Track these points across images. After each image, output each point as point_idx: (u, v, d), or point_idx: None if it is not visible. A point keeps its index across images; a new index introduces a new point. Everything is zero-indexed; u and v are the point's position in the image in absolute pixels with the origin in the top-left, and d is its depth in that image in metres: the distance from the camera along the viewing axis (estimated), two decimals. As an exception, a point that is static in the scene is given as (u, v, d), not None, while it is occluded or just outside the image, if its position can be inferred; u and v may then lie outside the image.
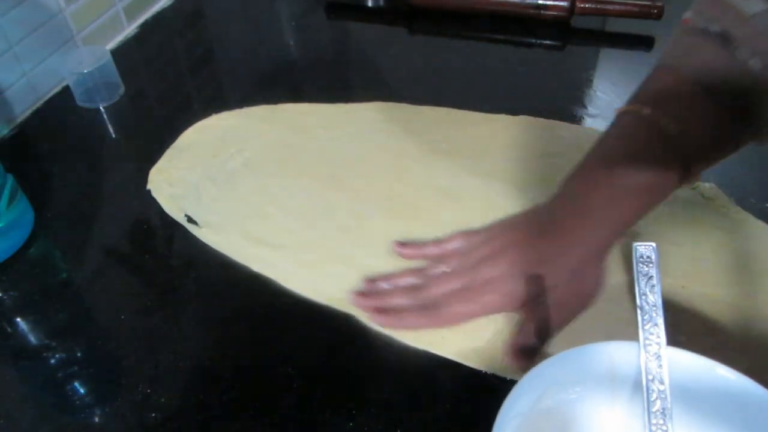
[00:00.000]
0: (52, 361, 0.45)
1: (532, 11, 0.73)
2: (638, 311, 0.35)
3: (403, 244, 0.49)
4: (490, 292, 0.43)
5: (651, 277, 0.35)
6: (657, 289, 0.34)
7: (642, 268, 0.35)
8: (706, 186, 0.52)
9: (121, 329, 0.46)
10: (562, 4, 0.72)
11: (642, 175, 0.42)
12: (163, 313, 0.47)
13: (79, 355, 0.45)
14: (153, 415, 0.41)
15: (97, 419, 0.41)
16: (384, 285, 0.46)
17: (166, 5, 0.81)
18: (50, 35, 0.66)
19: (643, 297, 0.35)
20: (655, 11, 0.69)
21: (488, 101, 0.63)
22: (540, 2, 0.72)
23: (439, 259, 0.47)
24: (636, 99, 0.44)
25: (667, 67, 0.44)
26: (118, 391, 0.43)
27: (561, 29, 0.73)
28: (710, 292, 0.46)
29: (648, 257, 0.35)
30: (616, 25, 0.73)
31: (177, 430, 0.40)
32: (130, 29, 0.77)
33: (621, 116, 0.44)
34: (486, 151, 0.58)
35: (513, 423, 0.33)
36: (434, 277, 0.45)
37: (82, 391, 0.43)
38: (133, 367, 0.44)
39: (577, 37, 0.73)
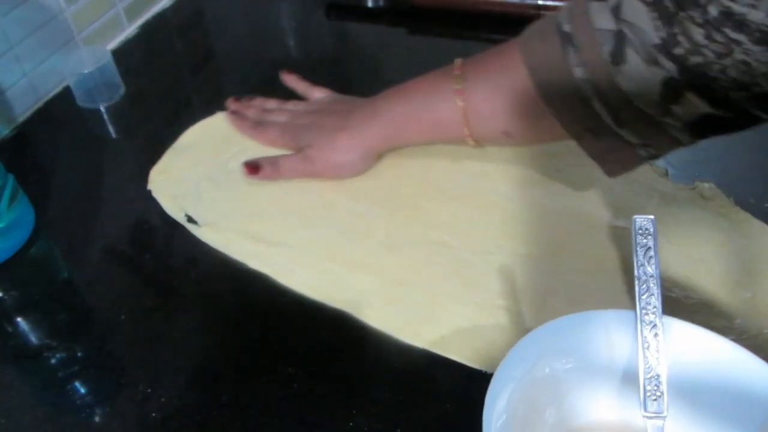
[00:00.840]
0: (53, 360, 0.45)
1: (532, 11, 0.73)
2: (635, 281, 0.35)
3: (289, 71, 0.63)
4: (272, 127, 0.59)
5: (649, 249, 0.35)
6: (654, 260, 0.35)
7: (640, 239, 0.36)
8: (706, 186, 0.52)
9: (121, 329, 0.46)
10: (562, 4, 0.71)
11: (429, 117, 0.51)
12: (163, 313, 0.47)
13: (79, 355, 0.45)
14: (153, 415, 0.41)
15: (97, 419, 0.42)
16: (253, 102, 0.62)
17: (166, 5, 0.81)
18: (51, 36, 0.66)
19: (641, 268, 0.35)
20: (655, 11, 0.69)
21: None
22: (540, 2, 0.72)
23: (304, 95, 0.62)
24: (468, 63, 0.51)
25: (512, 46, 0.47)
26: (118, 391, 0.43)
27: (561, 29, 0.73)
28: (710, 293, 0.46)
29: (646, 229, 0.36)
30: (616, 25, 0.73)
31: (177, 430, 0.40)
32: (131, 29, 0.77)
33: (448, 69, 0.51)
34: (486, 151, 0.58)
35: (507, 388, 0.33)
36: (284, 110, 0.61)
37: (82, 391, 0.43)
38: (133, 367, 0.44)
39: (577, 37, 0.73)
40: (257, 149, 0.60)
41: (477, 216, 0.52)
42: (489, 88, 0.48)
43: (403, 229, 0.51)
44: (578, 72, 0.41)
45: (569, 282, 0.47)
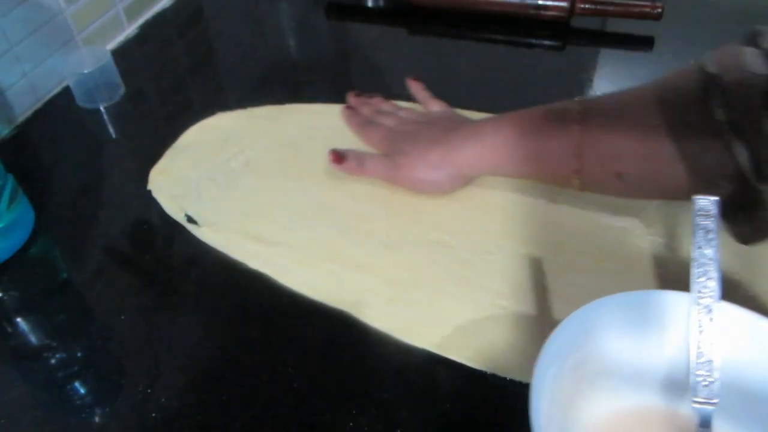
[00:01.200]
0: (53, 361, 0.45)
1: (532, 11, 0.73)
2: (693, 263, 0.34)
3: (416, 79, 0.63)
4: (377, 129, 0.58)
5: (709, 231, 0.34)
6: (714, 243, 0.34)
7: (700, 221, 0.35)
8: (706, 186, 0.52)
9: (121, 329, 0.46)
10: (561, 4, 0.72)
11: (536, 146, 0.48)
12: (163, 313, 0.47)
13: (79, 355, 0.45)
14: (153, 415, 0.41)
15: (97, 419, 0.42)
16: (372, 100, 0.62)
17: (166, 5, 0.81)
18: (51, 36, 0.66)
19: (699, 249, 0.34)
20: (655, 11, 0.69)
21: (488, 101, 0.62)
22: (540, 2, 0.72)
23: (423, 105, 0.61)
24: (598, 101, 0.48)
25: (645, 86, 0.44)
26: (118, 391, 0.43)
27: (561, 29, 0.73)
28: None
29: (708, 210, 0.35)
30: (616, 26, 0.73)
31: (177, 430, 0.40)
32: (131, 29, 0.77)
33: (568, 101, 0.48)
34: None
35: (553, 367, 0.33)
36: (396, 115, 0.59)
37: (82, 391, 0.43)
38: (133, 367, 0.44)
39: (577, 38, 0.73)
40: (259, 149, 0.60)
41: (477, 216, 0.52)
42: (613, 123, 0.44)
43: (403, 229, 0.51)
44: (720, 114, 0.38)
45: (569, 282, 0.47)
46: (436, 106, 0.59)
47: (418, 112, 0.60)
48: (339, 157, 0.54)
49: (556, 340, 0.33)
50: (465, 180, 0.53)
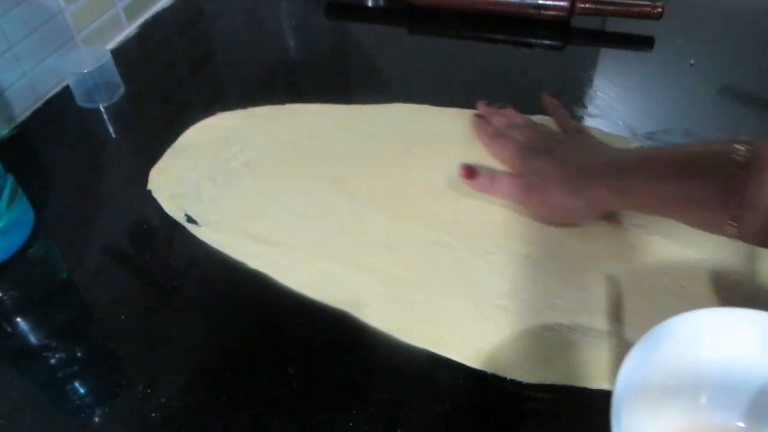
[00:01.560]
0: (52, 361, 0.45)
1: (532, 11, 0.73)
2: None
3: (554, 95, 0.60)
4: (510, 144, 0.55)
5: None
6: None
7: None
8: (706, 186, 0.52)
9: (121, 329, 0.46)
10: (562, 4, 0.72)
11: (687, 184, 0.42)
12: (163, 313, 0.47)
13: (79, 355, 0.45)
14: (153, 415, 0.41)
15: (97, 419, 0.42)
16: (504, 111, 0.60)
17: (166, 5, 0.81)
18: (50, 35, 0.66)
19: None
20: (655, 11, 0.69)
21: (488, 101, 0.62)
22: (540, 2, 0.72)
23: (559, 125, 0.58)
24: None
25: None
26: (118, 391, 0.43)
27: (561, 29, 0.73)
28: (710, 293, 0.46)
29: None
30: (616, 25, 0.73)
31: (177, 430, 0.40)
32: (130, 29, 0.77)
33: (730, 140, 0.41)
34: (486, 151, 0.58)
35: (639, 372, 0.32)
36: (528, 130, 0.56)
37: (82, 391, 0.43)
38: (133, 367, 0.44)
39: (577, 37, 0.73)
40: (259, 150, 0.60)
41: (477, 216, 0.52)
42: None
43: (403, 229, 0.51)
44: None
45: (569, 282, 0.47)
46: (573, 126, 0.56)
47: (553, 130, 0.57)
48: (471, 172, 0.52)
49: (643, 347, 0.33)
50: (601, 212, 0.49)
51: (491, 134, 0.57)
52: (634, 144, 0.57)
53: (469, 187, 0.52)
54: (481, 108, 0.60)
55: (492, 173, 0.52)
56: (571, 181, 0.48)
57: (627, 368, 0.32)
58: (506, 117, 0.58)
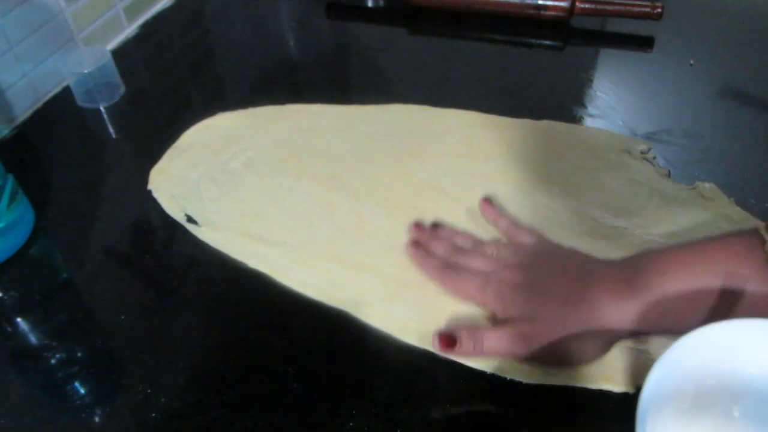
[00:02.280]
0: (53, 361, 0.45)
1: (532, 11, 0.73)
2: None
3: (488, 201, 0.51)
4: (470, 278, 0.45)
5: None
6: None
7: None
8: (706, 186, 0.52)
9: (121, 329, 0.46)
10: (562, 4, 0.72)
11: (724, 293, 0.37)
12: (163, 313, 0.47)
13: (79, 355, 0.45)
14: (153, 415, 0.41)
15: (97, 419, 0.42)
16: (441, 233, 0.50)
17: (166, 5, 0.81)
18: (50, 35, 0.66)
19: None
20: (655, 11, 0.69)
21: (487, 101, 0.63)
22: (540, 2, 0.72)
23: (507, 237, 0.49)
24: None
25: None
26: (118, 391, 0.43)
27: (561, 29, 0.73)
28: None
29: None
30: (616, 25, 0.73)
31: (177, 430, 0.40)
32: (131, 29, 0.77)
33: (749, 231, 0.37)
34: (488, 153, 0.58)
35: (671, 378, 0.31)
36: (482, 253, 0.47)
37: (82, 391, 0.43)
38: (133, 367, 0.44)
39: (577, 37, 0.73)
40: (259, 150, 0.60)
41: (477, 216, 0.52)
42: None
43: (403, 229, 0.51)
44: None
45: (569, 282, 0.47)
46: (527, 237, 0.48)
47: (509, 248, 0.47)
48: (448, 341, 0.42)
49: (675, 354, 0.32)
50: (614, 342, 0.42)
51: (439, 269, 0.47)
52: (637, 144, 0.57)
53: (449, 354, 0.42)
54: (414, 232, 0.50)
55: (474, 333, 0.42)
56: (573, 320, 0.40)
57: (656, 375, 0.31)
58: (447, 240, 0.49)
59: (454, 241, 0.49)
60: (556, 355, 0.41)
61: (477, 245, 0.48)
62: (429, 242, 0.49)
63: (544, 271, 0.43)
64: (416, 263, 0.48)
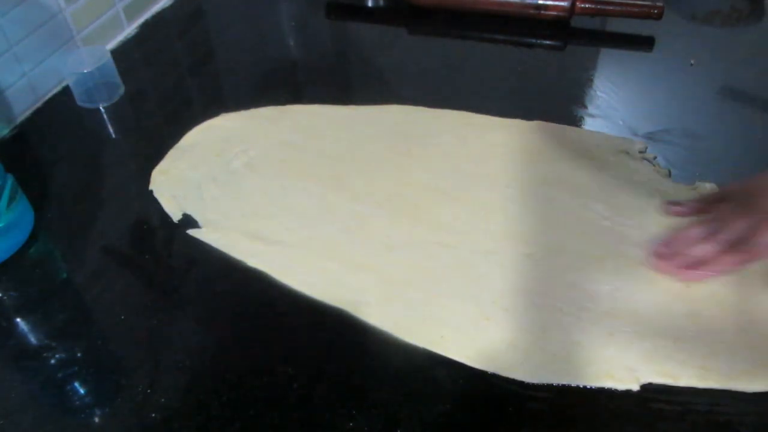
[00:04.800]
0: (53, 361, 0.45)
1: (532, 11, 0.73)
2: None
3: (675, 203, 0.50)
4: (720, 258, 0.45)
5: None
6: None
7: None
8: (707, 186, 0.52)
9: (121, 329, 0.46)
10: (562, 4, 0.72)
11: None
12: (163, 313, 0.47)
13: (79, 355, 0.45)
14: (153, 415, 0.41)
15: (97, 419, 0.42)
16: (680, 243, 0.47)
17: (166, 5, 0.81)
18: (50, 35, 0.66)
19: None
20: (655, 11, 0.69)
21: (488, 101, 0.63)
22: (540, 2, 0.72)
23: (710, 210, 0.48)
24: None
25: None
26: (118, 391, 0.43)
27: (561, 29, 0.73)
28: (710, 293, 0.46)
29: None
30: (616, 25, 0.73)
31: (177, 430, 0.40)
32: (130, 29, 0.77)
33: None
34: (489, 153, 0.58)
35: None
36: (722, 219, 0.46)
37: (82, 391, 0.43)
38: (133, 367, 0.44)
39: (577, 37, 0.73)
40: (260, 150, 0.60)
41: (477, 216, 0.52)
42: None
43: (403, 229, 0.51)
44: None
45: (569, 282, 0.47)
46: (717, 197, 0.49)
47: (713, 218, 0.47)
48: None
49: None
50: None
51: (679, 264, 0.46)
52: (634, 145, 0.57)
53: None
54: (660, 249, 0.48)
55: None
56: None
57: None
58: (683, 240, 0.47)
59: (693, 236, 0.47)
60: None
61: (710, 220, 0.47)
62: (686, 256, 0.46)
63: (756, 210, 0.44)
64: (705, 277, 0.46)
